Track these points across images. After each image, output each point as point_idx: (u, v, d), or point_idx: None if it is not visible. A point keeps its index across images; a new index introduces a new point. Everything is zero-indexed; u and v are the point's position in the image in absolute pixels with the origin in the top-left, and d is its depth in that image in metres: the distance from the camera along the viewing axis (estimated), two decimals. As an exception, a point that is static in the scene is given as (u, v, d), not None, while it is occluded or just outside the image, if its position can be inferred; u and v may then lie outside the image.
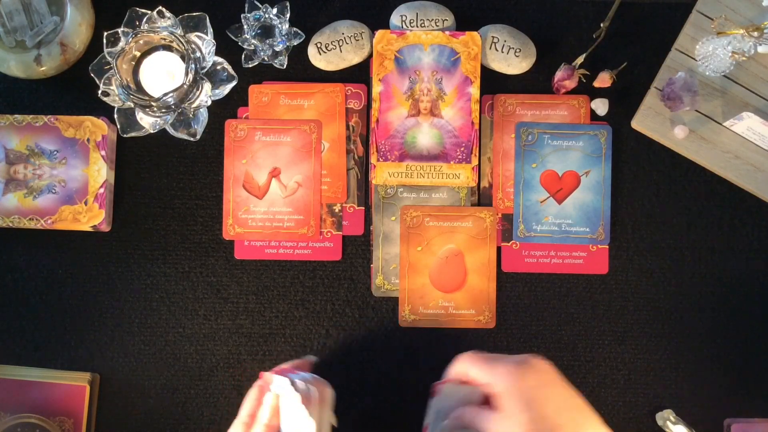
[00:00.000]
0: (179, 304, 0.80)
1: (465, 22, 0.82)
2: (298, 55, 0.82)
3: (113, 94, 0.76)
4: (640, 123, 0.80)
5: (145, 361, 0.80)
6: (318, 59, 0.81)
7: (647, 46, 0.82)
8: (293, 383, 0.65)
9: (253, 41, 0.80)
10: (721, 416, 0.79)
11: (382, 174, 0.80)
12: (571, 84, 0.79)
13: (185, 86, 0.75)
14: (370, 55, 0.81)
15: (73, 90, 0.82)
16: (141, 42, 0.76)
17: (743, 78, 0.80)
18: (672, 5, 0.82)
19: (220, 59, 0.78)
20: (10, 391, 0.78)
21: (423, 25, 0.81)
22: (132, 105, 0.77)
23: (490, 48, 0.80)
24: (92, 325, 0.80)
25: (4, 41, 0.79)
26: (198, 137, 0.78)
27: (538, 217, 0.81)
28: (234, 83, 0.79)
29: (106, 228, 0.80)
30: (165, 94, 0.74)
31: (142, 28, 0.76)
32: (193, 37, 0.77)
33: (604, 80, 0.79)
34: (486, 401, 0.62)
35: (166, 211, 0.81)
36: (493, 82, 0.81)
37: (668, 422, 0.77)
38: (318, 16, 0.82)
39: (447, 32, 0.80)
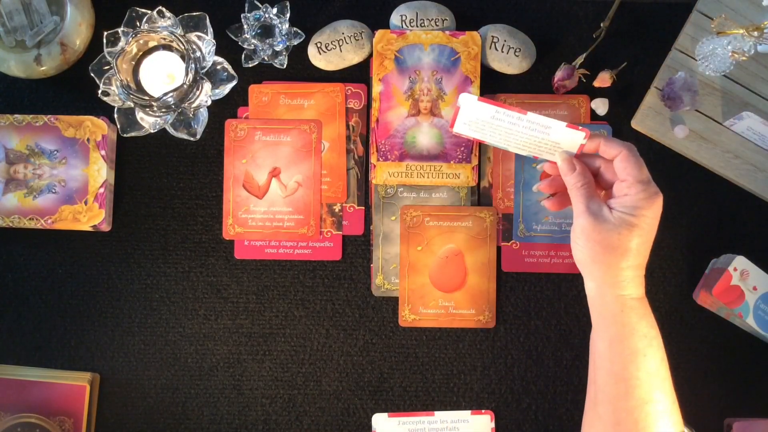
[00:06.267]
0: (179, 304, 0.80)
1: (465, 22, 0.82)
2: (298, 55, 0.82)
3: (113, 94, 0.76)
4: (640, 123, 0.80)
5: (145, 361, 0.80)
6: (318, 59, 0.81)
7: (647, 46, 0.82)
8: None
9: (253, 41, 0.80)
10: (721, 416, 0.79)
11: (382, 174, 0.80)
12: (571, 84, 0.79)
13: (185, 86, 0.75)
14: (370, 55, 0.81)
15: (73, 90, 0.82)
16: (141, 42, 0.76)
17: (743, 78, 0.80)
18: (672, 5, 0.82)
19: (220, 59, 0.78)
20: (10, 391, 0.78)
21: (423, 24, 0.81)
22: (132, 105, 0.77)
23: (490, 48, 0.80)
24: (92, 325, 0.80)
25: (4, 41, 0.79)
26: (198, 137, 0.78)
27: (538, 217, 0.81)
28: (234, 83, 0.79)
29: (106, 228, 0.80)
30: (165, 94, 0.74)
31: (142, 28, 0.76)
32: (193, 37, 0.77)
33: (604, 80, 0.79)
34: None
35: (166, 211, 0.81)
36: (493, 82, 0.81)
37: (668, 422, 0.77)
38: (318, 16, 0.82)
39: (447, 32, 0.80)
